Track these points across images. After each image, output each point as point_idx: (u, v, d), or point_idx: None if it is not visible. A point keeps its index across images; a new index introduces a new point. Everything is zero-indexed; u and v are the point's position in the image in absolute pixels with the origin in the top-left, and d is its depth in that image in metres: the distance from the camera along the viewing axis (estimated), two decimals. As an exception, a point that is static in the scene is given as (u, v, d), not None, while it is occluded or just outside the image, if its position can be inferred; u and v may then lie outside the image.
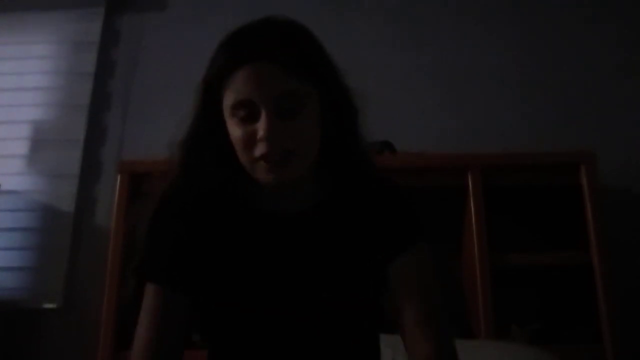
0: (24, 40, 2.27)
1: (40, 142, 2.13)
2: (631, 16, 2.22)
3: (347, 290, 0.84)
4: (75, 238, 2.01)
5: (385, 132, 1.78)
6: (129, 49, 2.25)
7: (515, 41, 2.20)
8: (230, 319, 0.84)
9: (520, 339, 1.67)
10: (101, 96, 2.19)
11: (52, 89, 2.19)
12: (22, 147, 2.12)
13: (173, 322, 0.84)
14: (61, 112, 2.16)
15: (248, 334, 0.84)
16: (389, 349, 0.96)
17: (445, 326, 0.86)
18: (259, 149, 0.80)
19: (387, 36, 2.21)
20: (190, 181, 0.88)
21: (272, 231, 0.87)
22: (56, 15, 2.28)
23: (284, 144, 0.80)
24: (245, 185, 0.90)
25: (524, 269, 1.75)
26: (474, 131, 2.06)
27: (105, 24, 2.26)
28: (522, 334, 1.69)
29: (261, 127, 0.79)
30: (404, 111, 2.06)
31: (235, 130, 0.83)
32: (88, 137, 2.12)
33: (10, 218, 2.03)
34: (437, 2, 2.27)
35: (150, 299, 0.85)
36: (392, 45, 2.20)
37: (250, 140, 0.81)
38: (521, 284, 1.84)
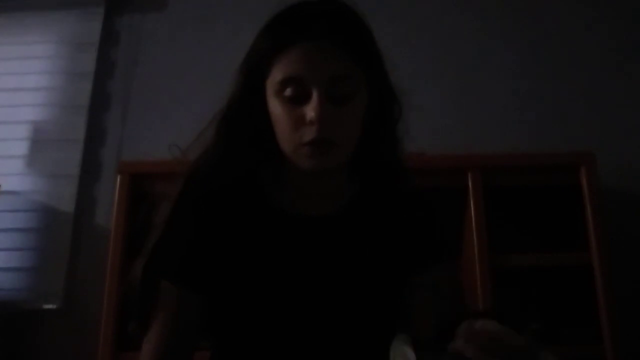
0: (23, 40, 2.26)
1: (40, 143, 2.12)
2: (631, 16, 2.22)
3: (368, 298, 0.81)
4: (75, 238, 2.00)
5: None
6: (129, 49, 2.25)
7: (516, 41, 2.20)
8: (248, 323, 0.81)
9: (520, 340, 1.67)
10: (101, 96, 2.19)
11: (52, 89, 2.19)
12: (21, 148, 2.12)
13: (188, 323, 0.81)
14: (61, 113, 2.15)
15: (264, 337, 0.81)
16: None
17: None
18: (308, 134, 0.76)
19: (387, 36, 2.20)
20: (221, 163, 0.83)
21: (295, 234, 0.84)
22: (55, 15, 2.27)
23: (331, 129, 0.76)
24: (271, 184, 0.87)
25: (524, 270, 1.75)
26: (474, 131, 2.06)
27: (105, 24, 2.25)
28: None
29: (312, 108, 0.75)
30: (404, 111, 2.05)
31: (279, 110, 0.79)
32: (88, 137, 2.12)
33: (9, 218, 2.02)
34: (438, 2, 2.27)
35: (167, 298, 0.81)
36: (392, 45, 2.19)
37: (297, 123, 0.77)
38: (521, 284, 1.84)
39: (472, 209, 1.69)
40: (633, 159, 2.03)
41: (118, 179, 1.76)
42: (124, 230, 1.69)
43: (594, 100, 2.11)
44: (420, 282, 0.85)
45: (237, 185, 0.85)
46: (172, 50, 2.22)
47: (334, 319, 0.80)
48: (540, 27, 2.22)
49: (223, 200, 0.84)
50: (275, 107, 0.80)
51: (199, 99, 2.18)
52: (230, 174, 0.84)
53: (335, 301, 0.80)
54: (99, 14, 2.25)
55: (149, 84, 2.19)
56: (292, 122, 0.78)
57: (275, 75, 0.79)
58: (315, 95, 0.76)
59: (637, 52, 2.17)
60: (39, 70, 2.22)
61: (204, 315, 0.82)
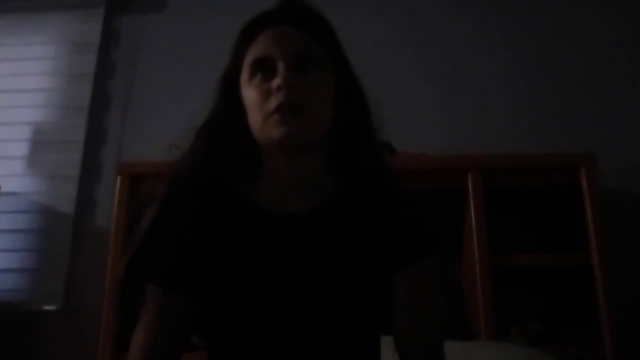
0: (24, 41, 2.27)
1: (40, 144, 2.12)
2: (631, 17, 2.22)
3: (352, 294, 0.82)
4: (75, 240, 2.00)
5: (385, 133, 1.77)
6: (129, 50, 2.25)
7: (516, 42, 2.21)
8: (232, 321, 0.81)
9: (520, 340, 1.67)
10: (101, 97, 2.19)
11: (52, 91, 2.19)
12: (21, 149, 2.12)
13: (173, 324, 0.82)
14: (61, 114, 2.16)
15: (250, 335, 0.81)
16: (388, 350, 0.96)
17: (441, 342, 0.87)
18: (275, 100, 0.80)
19: (387, 37, 2.21)
20: (202, 167, 0.86)
21: (276, 232, 0.84)
22: (56, 16, 2.28)
23: (298, 96, 0.81)
24: (252, 182, 0.88)
25: (524, 270, 1.75)
26: (474, 132, 2.06)
27: (105, 25, 2.26)
28: (523, 335, 1.69)
29: (278, 77, 0.81)
30: (404, 112, 2.06)
31: (251, 94, 0.84)
32: (88, 138, 2.12)
33: (10, 220, 2.02)
34: (437, 3, 2.27)
35: (151, 299, 0.82)
36: (391, 46, 2.20)
37: (266, 95, 0.82)
38: (521, 285, 1.84)
39: (472, 209, 1.69)
40: (633, 159, 2.03)
41: (118, 180, 1.77)
42: (124, 231, 1.69)
43: (594, 100, 2.11)
44: (406, 278, 0.85)
45: (217, 186, 0.88)
46: (172, 51, 2.22)
47: (318, 317, 0.80)
48: (540, 27, 2.22)
49: (204, 202, 0.86)
50: (249, 93, 0.85)
51: (199, 100, 2.19)
52: (210, 177, 0.87)
53: (319, 299, 0.80)
54: (99, 14, 2.26)
55: (148, 85, 2.19)
56: (261, 95, 0.82)
57: (247, 61, 0.86)
58: (281, 66, 0.82)
59: (638, 52, 2.17)
60: (39, 72, 2.22)
61: (190, 316, 0.83)
